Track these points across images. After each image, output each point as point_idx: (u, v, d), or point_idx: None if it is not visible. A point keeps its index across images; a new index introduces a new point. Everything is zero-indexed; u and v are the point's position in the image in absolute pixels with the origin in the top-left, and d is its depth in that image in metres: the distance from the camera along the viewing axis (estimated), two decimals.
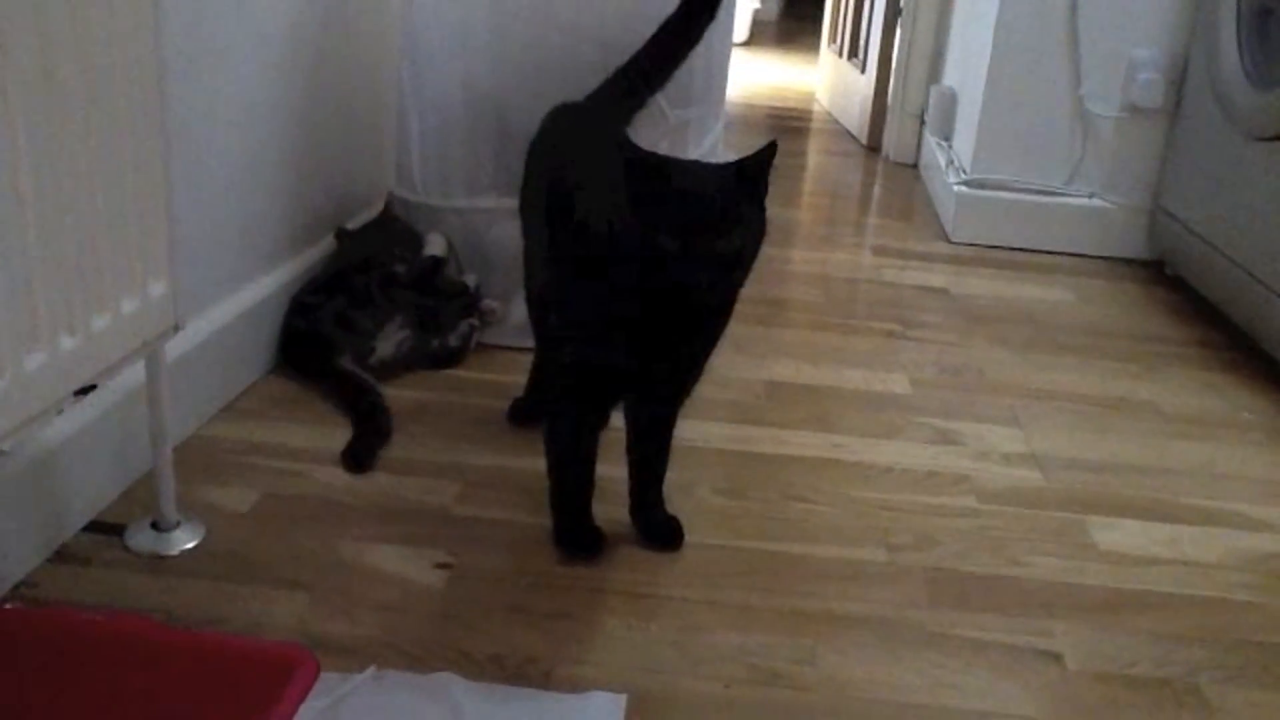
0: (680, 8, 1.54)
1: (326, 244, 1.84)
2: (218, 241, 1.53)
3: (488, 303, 1.80)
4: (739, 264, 1.07)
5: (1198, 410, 1.81)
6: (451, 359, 1.74)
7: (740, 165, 1.07)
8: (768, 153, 1.07)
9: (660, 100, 1.71)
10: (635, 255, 1.05)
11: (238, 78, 1.55)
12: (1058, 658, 1.15)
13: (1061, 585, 1.29)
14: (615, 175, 1.10)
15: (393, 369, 1.67)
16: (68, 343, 0.96)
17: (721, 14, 1.66)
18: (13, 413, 0.90)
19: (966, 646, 1.16)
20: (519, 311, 1.79)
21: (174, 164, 1.09)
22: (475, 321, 1.78)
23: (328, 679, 0.95)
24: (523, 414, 1.56)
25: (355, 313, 1.66)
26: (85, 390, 1.00)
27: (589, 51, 1.66)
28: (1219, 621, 1.24)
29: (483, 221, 1.79)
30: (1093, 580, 1.30)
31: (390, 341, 1.67)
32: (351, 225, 1.86)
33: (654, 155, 1.09)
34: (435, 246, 1.78)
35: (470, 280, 1.80)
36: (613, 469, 1.29)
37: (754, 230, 1.07)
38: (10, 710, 0.90)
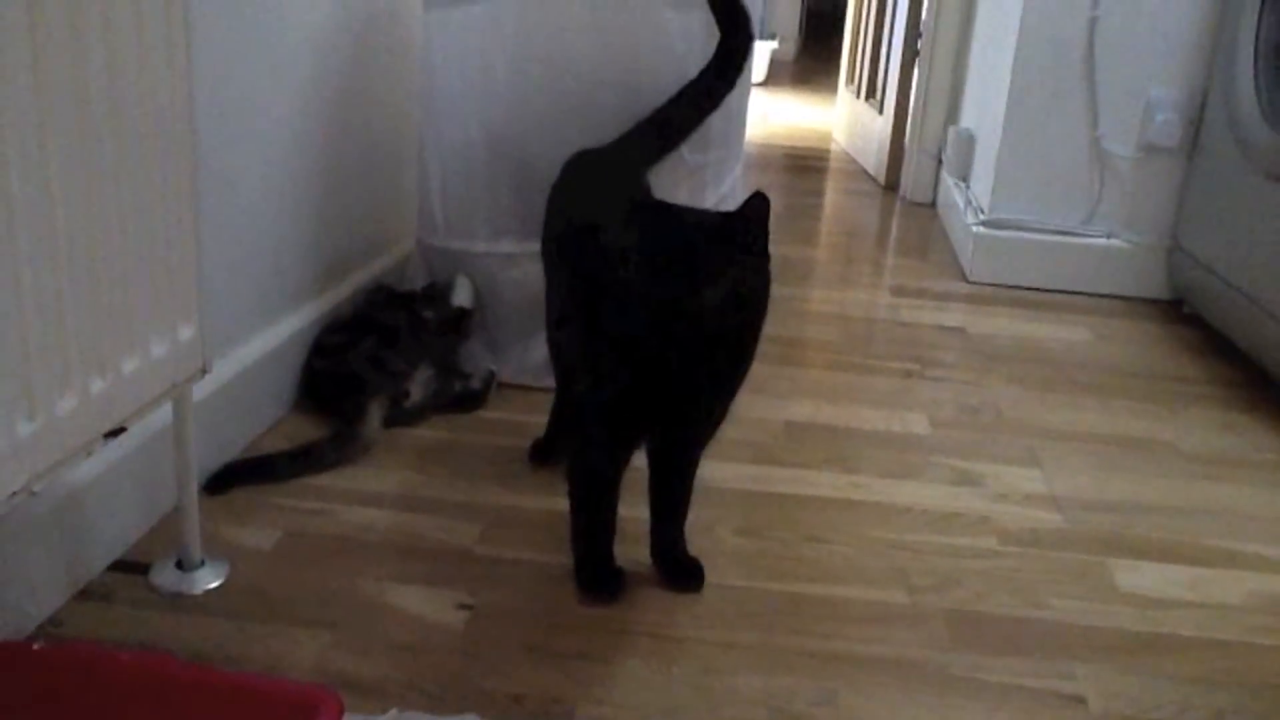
0: (708, 68, 1.61)
1: (350, 285, 1.86)
2: (244, 283, 1.55)
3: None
4: (732, 312, 1.09)
5: (1217, 450, 1.81)
6: (475, 401, 1.75)
7: (730, 216, 1.09)
8: (758, 204, 1.09)
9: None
10: (639, 301, 1.08)
11: (263, 121, 1.57)
12: (1081, 701, 1.15)
13: (1083, 628, 1.28)
14: (627, 221, 1.13)
15: (423, 412, 1.69)
16: (98, 386, 0.98)
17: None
18: (44, 455, 0.91)
19: (989, 689, 1.16)
20: (539, 351, 1.80)
21: (202, 207, 1.11)
22: (495, 367, 1.80)
23: None
24: (544, 453, 1.57)
25: (387, 353, 1.68)
26: (115, 433, 1.01)
27: (607, 98, 1.68)
28: (1242, 665, 1.23)
29: (504, 265, 1.81)
30: (1114, 623, 1.30)
31: (421, 385, 1.69)
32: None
33: (659, 204, 1.13)
34: (463, 296, 1.79)
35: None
36: (634, 510, 1.30)
37: (749, 280, 1.09)
38: None
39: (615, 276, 1.11)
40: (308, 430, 1.62)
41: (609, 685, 1.12)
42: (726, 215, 1.10)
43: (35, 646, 1.05)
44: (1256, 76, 2.21)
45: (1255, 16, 2.24)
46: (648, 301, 1.07)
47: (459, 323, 1.78)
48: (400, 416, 1.65)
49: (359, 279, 1.88)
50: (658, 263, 1.06)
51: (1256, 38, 2.23)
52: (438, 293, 1.80)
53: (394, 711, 1.04)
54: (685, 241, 1.07)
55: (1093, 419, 1.91)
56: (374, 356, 1.67)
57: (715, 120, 1.79)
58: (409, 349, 1.70)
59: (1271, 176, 2.08)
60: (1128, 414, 1.94)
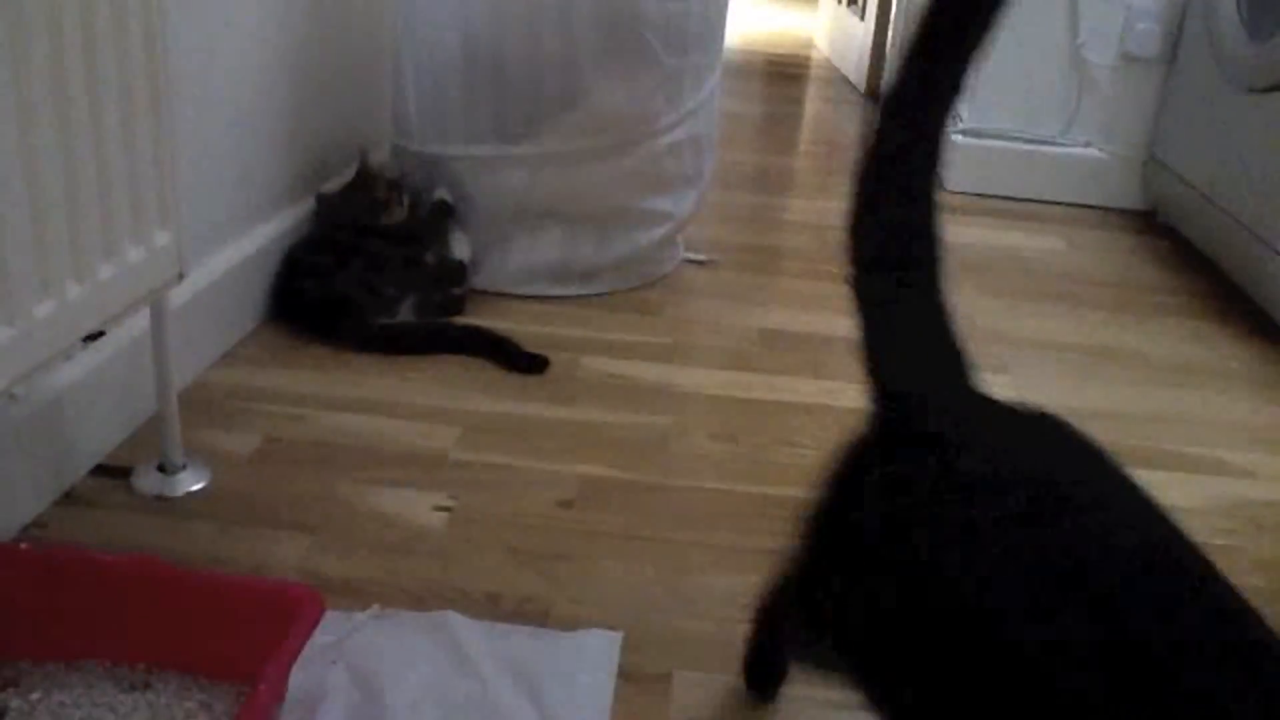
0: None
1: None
2: (218, 189, 1.54)
3: None
4: None
5: (1185, 359, 1.84)
6: (459, 307, 1.76)
7: None
8: None
9: (655, 46, 1.71)
10: None
11: (236, 22, 1.55)
12: None
13: None
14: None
15: (406, 323, 1.70)
16: (75, 291, 0.98)
17: None
18: (23, 358, 0.92)
19: None
20: (516, 257, 1.80)
21: (176, 112, 1.11)
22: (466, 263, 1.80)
23: (332, 617, 0.98)
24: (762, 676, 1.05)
25: (377, 277, 1.66)
26: (94, 337, 1.02)
27: (583, 6, 1.66)
28: None
29: (479, 169, 1.80)
30: None
31: (409, 307, 1.70)
32: (328, 189, 1.83)
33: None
34: (463, 251, 1.78)
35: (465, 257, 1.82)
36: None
37: None
38: (20, 646, 0.93)
39: None
40: (284, 338, 1.63)
41: (584, 584, 1.15)
42: None
43: (22, 547, 1.07)
44: None
45: None
46: None
47: (455, 274, 1.77)
48: (385, 332, 1.65)
49: (333, 187, 1.86)
50: None
51: None
52: (396, 198, 1.78)
53: (375, 608, 1.07)
54: None
55: (1063, 327, 1.93)
56: (364, 279, 1.65)
57: (693, 23, 1.77)
58: (400, 279, 1.69)
59: (1248, 89, 2.08)
60: (1097, 323, 1.97)
